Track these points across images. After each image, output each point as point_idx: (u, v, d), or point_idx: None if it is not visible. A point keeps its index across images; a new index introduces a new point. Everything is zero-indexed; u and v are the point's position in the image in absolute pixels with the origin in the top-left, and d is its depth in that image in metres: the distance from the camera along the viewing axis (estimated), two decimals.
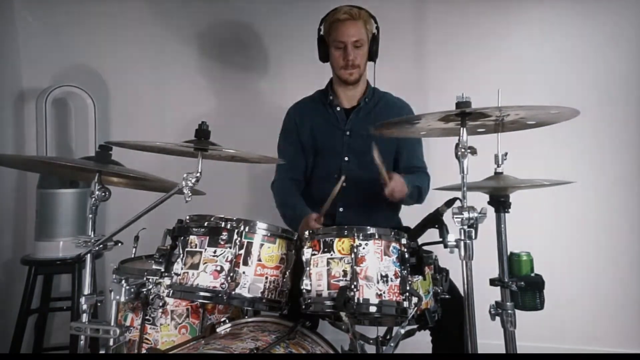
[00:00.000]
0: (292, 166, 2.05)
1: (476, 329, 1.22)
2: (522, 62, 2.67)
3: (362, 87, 2.06)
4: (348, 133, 2.02)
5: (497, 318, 1.39)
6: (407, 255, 1.29)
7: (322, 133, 2.05)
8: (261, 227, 1.33)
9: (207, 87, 2.90)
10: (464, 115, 1.24)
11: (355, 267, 1.25)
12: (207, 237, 1.30)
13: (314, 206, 1.95)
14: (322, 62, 2.06)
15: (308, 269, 1.31)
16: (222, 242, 1.29)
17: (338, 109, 2.05)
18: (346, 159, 2.00)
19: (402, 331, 1.30)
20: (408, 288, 1.26)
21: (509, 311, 1.38)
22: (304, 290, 1.30)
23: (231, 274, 1.27)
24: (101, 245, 1.36)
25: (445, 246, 1.23)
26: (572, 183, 1.53)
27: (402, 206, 2.07)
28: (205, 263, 1.28)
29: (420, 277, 1.31)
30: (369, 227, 1.29)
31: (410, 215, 1.92)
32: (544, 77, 2.63)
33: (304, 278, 1.31)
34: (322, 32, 2.04)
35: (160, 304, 1.33)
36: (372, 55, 2.01)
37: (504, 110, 1.22)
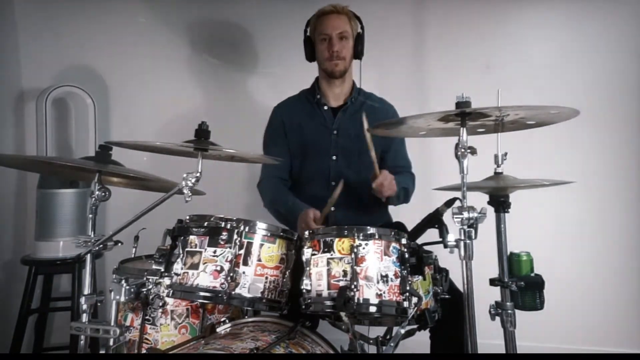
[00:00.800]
0: (279, 166, 2.01)
1: (476, 329, 1.22)
2: (522, 62, 2.67)
3: (348, 85, 2.08)
4: (336, 132, 2.02)
5: (497, 318, 1.39)
6: (407, 255, 1.29)
7: (310, 132, 2.05)
8: (261, 227, 1.33)
9: (208, 87, 2.90)
10: (464, 115, 1.24)
11: (355, 267, 1.25)
12: (207, 237, 1.30)
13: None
14: (309, 61, 2.08)
15: (308, 269, 1.31)
16: (222, 242, 1.29)
17: (325, 107, 2.06)
18: (334, 158, 2.00)
19: (402, 331, 1.30)
20: (408, 288, 1.25)
21: (509, 311, 1.38)
22: (304, 290, 1.30)
23: (231, 274, 1.27)
24: (101, 245, 1.36)
25: (445, 246, 1.24)
26: (572, 183, 1.53)
27: (400, 206, 2.07)
28: (205, 263, 1.28)
29: (420, 277, 1.31)
30: (369, 227, 1.29)
31: (411, 215, 1.92)
32: (545, 77, 2.63)
33: (304, 278, 1.30)
34: (308, 33, 2.07)
35: (160, 304, 1.33)
36: (358, 54, 2.04)
37: (503, 110, 1.23)
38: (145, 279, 1.30)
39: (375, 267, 1.26)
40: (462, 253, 1.21)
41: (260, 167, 2.13)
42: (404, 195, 1.96)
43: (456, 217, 1.21)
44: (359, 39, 2.03)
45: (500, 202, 1.43)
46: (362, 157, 2.00)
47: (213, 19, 2.91)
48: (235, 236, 1.29)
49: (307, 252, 1.32)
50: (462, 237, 1.21)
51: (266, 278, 1.32)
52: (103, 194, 1.40)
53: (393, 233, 1.31)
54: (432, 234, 1.32)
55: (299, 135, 2.06)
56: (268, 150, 2.10)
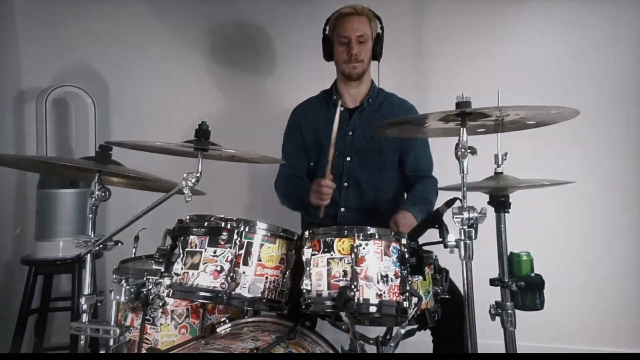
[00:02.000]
0: (294, 165, 2.06)
1: (476, 329, 1.22)
2: (522, 62, 2.67)
3: (365, 86, 2.06)
4: (351, 133, 2.02)
5: (497, 318, 1.39)
6: (407, 255, 1.28)
7: (325, 132, 2.03)
8: (261, 227, 1.33)
9: (207, 86, 2.90)
10: (464, 115, 1.24)
11: (355, 267, 1.25)
12: (207, 237, 1.30)
13: (317, 208, 1.98)
14: (326, 60, 2.07)
15: (308, 269, 1.31)
16: (222, 242, 1.29)
17: (342, 108, 2.06)
18: (348, 159, 2.00)
19: (402, 331, 1.30)
20: (408, 288, 1.25)
21: (509, 311, 1.38)
22: (304, 290, 1.30)
23: (231, 274, 1.27)
24: (101, 245, 1.36)
25: (445, 246, 1.23)
26: (572, 183, 1.53)
27: None
28: (205, 263, 1.28)
29: (420, 277, 1.31)
30: (369, 227, 1.28)
31: None
32: (544, 77, 2.63)
33: (304, 278, 1.30)
34: (327, 32, 2.06)
35: (160, 304, 1.32)
36: (377, 55, 2.02)
37: (504, 110, 1.22)
38: (145, 279, 1.30)
39: (375, 267, 1.26)
40: (462, 253, 1.21)
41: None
42: (428, 211, 1.92)
43: (456, 217, 1.21)
44: (378, 40, 2.01)
45: (500, 202, 1.43)
46: (377, 158, 1.99)
47: (214, 19, 2.91)
48: (235, 236, 1.29)
49: (307, 252, 1.32)
50: (462, 237, 1.21)
51: (266, 278, 1.31)
52: (103, 194, 1.40)
53: (393, 233, 1.31)
54: (432, 234, 1.32)
55: (314, 135, 2.06)
56: (285, 150, 2.13)
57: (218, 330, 1.39)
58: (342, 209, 1.98)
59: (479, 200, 1.33)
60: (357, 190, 1.98)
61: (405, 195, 2.06)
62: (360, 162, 1.99)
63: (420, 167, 2.04)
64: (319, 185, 1.76)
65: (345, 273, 1.26)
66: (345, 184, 1.99)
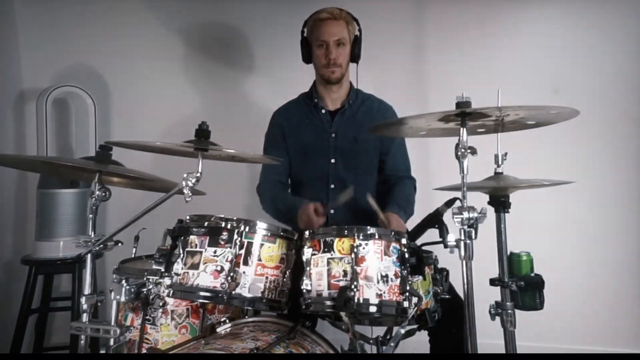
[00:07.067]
0: (278, 169, 2.04)
1: (476, 329, 1.22)
2: (522, 62, 2.67)
3: (345, 88, 2.07)
4: (334, 135, 2.03)
5: (497, 318, 1.39)
6: (407, 255, 1.29)
7: (309, 136, 2.05)
8: (261, 227, 1.33)
9: (207, 87, 2.91)
10: (464, 115, 1.24)
11: (355, 267, 1.25)
12: (207, 237, 1.30)
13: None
14: (305, 63, 2.07)
15: (308, 268, 1.31)
16: (222, 242, 1.29)
17: (323, 111, 2.06)
18: (332, 161, 2.01)
19: (402, 331, 1.30)
20: (408, 288, 1.26)
21: (509, 311, 1.38)
22: (304, 290, 1.30)
23: (231, 274, 1.27)
24: (101, 245, 1.35)
25: (445, 246, 1.23)
26: (572, 183, 1.53)
27: None
28: (206, 263, 1.28)
29: (420, 277, 1.31)
30: (369, 227, 1.29)
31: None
32: (544, 77, 2.63)
33: (304, 278, 1.31)
34: (305, 34, 2.05)
35: (161, 304, 1.33)
36: (355, 57, 2.02)
37: (504, 110, 1.23)
38: (145, 279, 1.31)
39: (375, 267, 1.26)
40: (462, 253, 1.21)
41: (260, 169, 2.13)
42: (411, 213, 1.95)
43: (456, 217, 1.21)
44: (356, 42, 2.01)
45: (500, 202, 1.43)
46: (361, 159, 2.00)
47: (212, 21, 2.92)
48: (235, 236, 1.29)
49: (307, 252, 1.32)
50: (462, 237, 1.21)
51: (266, 278, 1.32)
52: (103, 194, 1.40)
53: (393, 233, 1.31)
54: (432, 234, 1.32)
55: (297, 138, 2.07)
56: (267, 152, 2.10)
57: (218, 330, 1.39)
58: (332, 211, 1.98)
59: (479, 200, 1.33)
60: (343, 192, 1.99)
61: (389, 196, 2.05)
62: (345, 164, 2.00)
63: (399, 166, 2.05)
64: (309, 215, 1.75)
65: (345, 273, 1.26)
66: (332, 186, 2.00)
